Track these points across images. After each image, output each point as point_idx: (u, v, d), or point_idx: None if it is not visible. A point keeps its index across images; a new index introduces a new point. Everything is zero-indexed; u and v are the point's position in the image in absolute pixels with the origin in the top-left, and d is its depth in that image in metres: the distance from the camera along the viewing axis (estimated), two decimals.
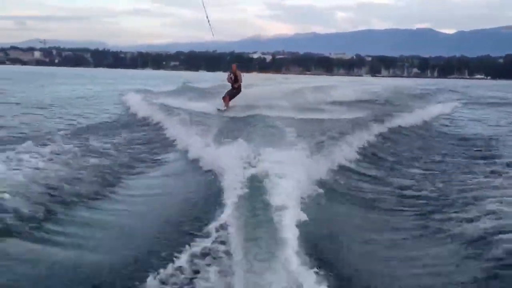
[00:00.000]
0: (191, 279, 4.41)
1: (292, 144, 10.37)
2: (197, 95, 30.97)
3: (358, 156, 11.31)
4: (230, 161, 7.82)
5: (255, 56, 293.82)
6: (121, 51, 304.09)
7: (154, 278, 4.40)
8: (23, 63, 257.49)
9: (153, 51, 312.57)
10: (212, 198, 6.83)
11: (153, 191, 8.33)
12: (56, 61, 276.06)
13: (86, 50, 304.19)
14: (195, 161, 10.16)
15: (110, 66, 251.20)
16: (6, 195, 6.51)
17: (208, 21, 21.48)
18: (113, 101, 29.99)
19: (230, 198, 6.05)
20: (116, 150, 11.83)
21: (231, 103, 21.54)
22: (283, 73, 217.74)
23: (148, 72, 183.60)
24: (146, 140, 14.05)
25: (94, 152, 11.20)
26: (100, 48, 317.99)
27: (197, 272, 4.51)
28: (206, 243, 5.03)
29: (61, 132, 14.29)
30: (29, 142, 10.67)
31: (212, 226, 5.40)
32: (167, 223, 6.30)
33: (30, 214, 6.22)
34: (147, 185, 8.70)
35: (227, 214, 5.60)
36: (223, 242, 4.98)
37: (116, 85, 52.92)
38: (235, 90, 21.62)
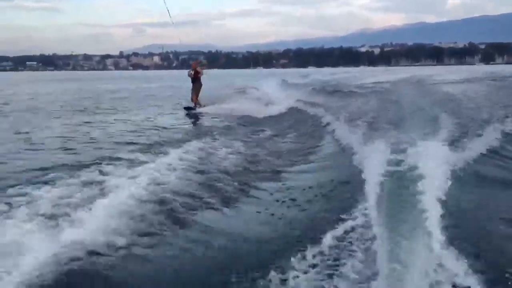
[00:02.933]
0: (336, 259, 4.67)
1: (433, 131, 10.67)
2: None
3: (502, 142, 10.46)
4: (375, 150, 7.89)
5: (363, 49, 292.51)
6: (232, 52, 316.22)
7: (299, 258, 4.68)
8: (144, 68, 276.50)
9: (263, 50, 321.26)
10: (356, 185, 6.92)
11: (303, 176, 8.87)
12: (174, 64, 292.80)
13: (199, 53, 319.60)
14: (342, 148, 10.63)
15: (222, 66, 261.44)
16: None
17: (170, 16, 21.17)
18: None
19: (374, 184, 6.21)
20: (270, 140, 13.51)
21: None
22: (392, 66, 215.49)
23: (264, 70, 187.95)
24: (295, 131, 15.25)
25: (250, 143, 12.69)
26: (211, 50, 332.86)
27: (340, 254, 4.77)
28: (349, 226, 5.39)
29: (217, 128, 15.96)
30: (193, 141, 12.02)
31: (356, 211, 5.79)
32: (309, 208, 6.64)
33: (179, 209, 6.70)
34: (298, 171, 9.36)
35: (370, 199, 5.82)
36: (365, 227, 5.25)
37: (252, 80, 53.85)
38: (196, 84, 21.97)
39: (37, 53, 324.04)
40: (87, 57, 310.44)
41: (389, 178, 6.30)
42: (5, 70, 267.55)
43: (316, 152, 11.19)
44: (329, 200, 6.89)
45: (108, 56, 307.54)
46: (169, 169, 8.70)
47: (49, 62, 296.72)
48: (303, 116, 18.79)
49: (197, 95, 21.81)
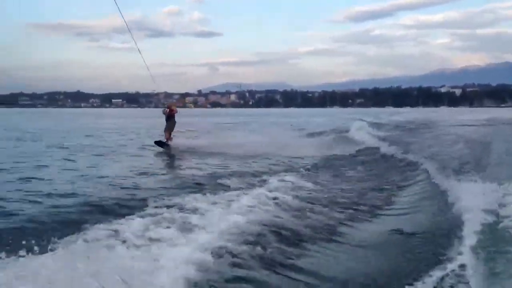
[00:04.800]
0: None
1: None
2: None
3: None
4: (473, 195, 7.47)
5: (443, 90, 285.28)
6: (308, 91, 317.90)
7: None
8: (222, 105, 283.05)
9: (338, 89, 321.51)
10: (452, 227, 6.67)
11: (392, 217, 8.74)
12: (250, 102, 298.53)
13: (275, 91, 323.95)
14: (438, 191, 10.05)
15: (298, 105, 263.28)
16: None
17: (149, 71, 20.99)
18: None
19: (471, 227, 5.95)
20: (370, 175, 13.67)
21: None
22: (475, 107, 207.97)
23: (343, 109, 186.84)
24: (388, 168, 15.14)
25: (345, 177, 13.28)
26: (284, 89, 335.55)
27: None
28: (445, 269, 5.12)
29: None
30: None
31: (452, 255, 5.46)
32: (403, 252, 6.40)
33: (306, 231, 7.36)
34: (391, 211, 9.15)
35: (468, 243, 5.55)
36: (462, 272, 4.97)
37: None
38: (170, 121, 22.24)
39: (121, 91, 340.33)
40: (167, 95, 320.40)
41: (487, 221, 5.95)
42: (92, 106, 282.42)
43: (404, 192, 10.98)
44: (423, 243, 6.59)
45: (187, 94, 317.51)
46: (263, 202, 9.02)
47: (132, 99, 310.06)
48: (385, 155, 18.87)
49: (169, 132, 22.23)
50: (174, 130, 22.53)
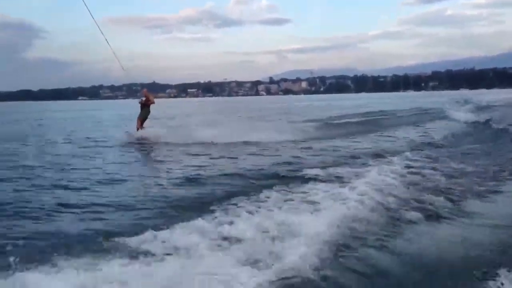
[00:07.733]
0: None
1: None
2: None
3: None
4: None
5: None
6: (379, 76, 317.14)
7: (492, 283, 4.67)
8: (294, 93, 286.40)
9: (410, 72, 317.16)
10: None
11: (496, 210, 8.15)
12: (321, 89, 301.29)
13: (345, 77, 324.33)
14: None
15: (370, 90, 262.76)
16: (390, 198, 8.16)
17: (116, 56, 19.53)
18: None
19: None
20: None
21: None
22: None
23: (417, 93, 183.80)
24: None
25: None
26: (354, 74, 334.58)
27: None
28: None
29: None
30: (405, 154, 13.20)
31: None
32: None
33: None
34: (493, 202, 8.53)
35: None
36: None
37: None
38: (144, 110, 21.52)
39: (194, 80, 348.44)
40: (239, 84, 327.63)
41: None
42: (169, 97, 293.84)
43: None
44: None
45: (258, 82, 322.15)
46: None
47: (207, 89, 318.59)
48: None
49: (141, 121, 21.53)
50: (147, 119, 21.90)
